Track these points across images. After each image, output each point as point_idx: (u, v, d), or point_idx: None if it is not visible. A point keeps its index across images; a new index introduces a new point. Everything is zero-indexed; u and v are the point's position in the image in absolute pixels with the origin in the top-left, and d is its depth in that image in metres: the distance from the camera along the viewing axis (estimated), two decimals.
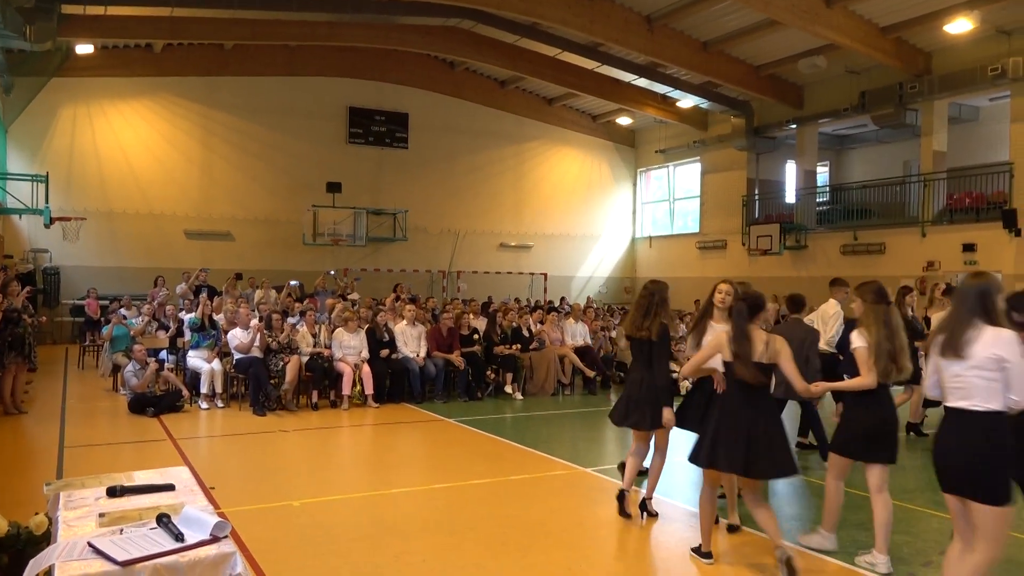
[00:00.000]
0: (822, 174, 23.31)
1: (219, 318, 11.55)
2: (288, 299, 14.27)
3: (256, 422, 9.53)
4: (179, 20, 17.78)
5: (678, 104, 23.01)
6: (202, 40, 19.54)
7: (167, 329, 12.50)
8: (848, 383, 4.95)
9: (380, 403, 10.73)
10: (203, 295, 12.82)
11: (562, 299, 21.39)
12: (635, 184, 27.00)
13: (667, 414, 5.59)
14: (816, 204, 21.43)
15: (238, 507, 5.85)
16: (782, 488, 6.87)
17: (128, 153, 20.01)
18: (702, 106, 22.68)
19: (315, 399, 10.52)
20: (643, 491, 5.93)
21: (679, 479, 7.01)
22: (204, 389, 10.38)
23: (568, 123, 25.52)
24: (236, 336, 10.39)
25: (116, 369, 11.43)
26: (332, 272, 20.11)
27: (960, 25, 15.66)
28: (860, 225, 19.64)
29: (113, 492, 3.45)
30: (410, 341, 11.39)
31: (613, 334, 14.09)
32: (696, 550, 4.98)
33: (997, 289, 3.70)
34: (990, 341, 3.55)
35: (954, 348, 3.64)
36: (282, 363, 10.36)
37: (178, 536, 2.88)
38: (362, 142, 22.61)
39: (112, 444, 8.34)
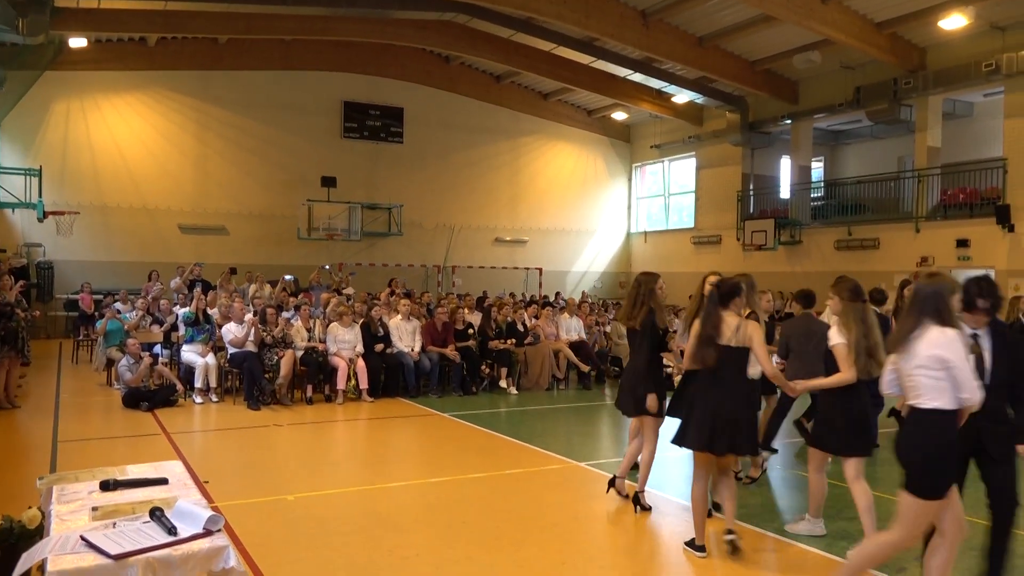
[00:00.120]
0: (817, 169, 23.34)
1: (213, 312, 11.53)
2: (283, 294, 14.26)
3: (250, 416, 9.53)
4: (173, 14, 17.71)
5: (673, 99, 23.01)
6: (196, 34, 19.45)
7: (161, 323, 12.48)
8: (829, 380, 5.01)
9: (375, 397, 10.73)
10: (197, 289, 12.79)
11: (557, 294, 21.42)
12: (630, 179, 27.01)
13: (650, 400, 5.68)
14: (811, 199, 21.47)
15: (232, 501, 5.85)
16: (777, 481, 6.90)
17: (122, 147, 19.93)
18: (697, 101, 22.69)
19: (309, 393, 10.52)
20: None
21: (673, 473, 7.03)
22: (198, 383, 10.37)
23: (563, 118, 25.50)
24: (230, 330, 10.38)
25: (110, 363, 11.40)
26: (327, 267, 20.09)
27: (954, 21, 15.70)
28: (854, 220, 19.68)
29: (106, 486, 3.45)
30: (405, 336, 11.39)
31: (608, 329, 14.12)
32: (690, 543, 5.00)
33: (951, 290, 3.74)
34: (933, 341, 3.59)
35: (898, 344, 3.72)
36: (276, 357, 10.35)
37: (171, 530, 2.89)
38: (357, 136, 22.56)
39: (106, 438, 8.33)
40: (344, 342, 10.80)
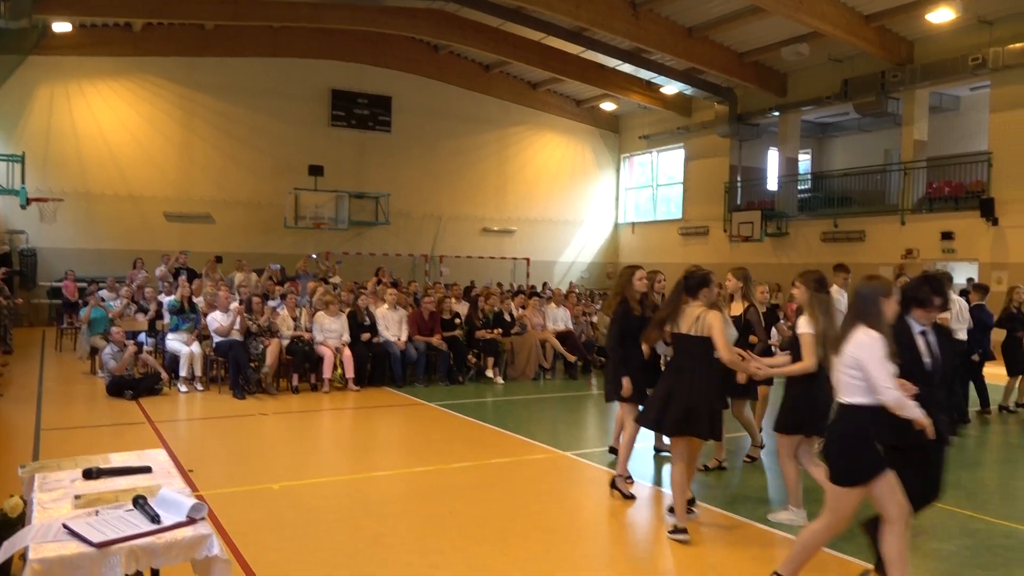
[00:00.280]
0: (804, 162, 23.45)
1: (199, 301, 11.47)
2: (269, 282, 14.19)
3: (236, 405, 9.49)
4: None
5: (662, 90, 23.02)
6: (183, 20, 19.24)
7: (146, 312, 12.39)
8: (792, 367, 5.22)
9: (361, 387, 10.72)
10: (182, 277, 12.71)
11: (544, 284, 21.44)
12: (618, 170, 27.03)
13: (625, 383, 5.90)
14: (798, 191, 21.57)
15: (217, 490, 5.83)
16: (769, 470, 6.94)
17: (107, 134, 19.74)
18: (686, 92, 22.70)
19: (295, 382, 10.49)
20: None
21: (661, 462, 7.06)
22: (183, 372, 10.32)
23: (552, 108, 25.46)
24: (216, 319, 10.33)
25: (94, 352, 11.32)
26: (314, 255, 20.00)
27: (942, 14, 15.77)
28: (840, 213, 19.80)
29: (89, 474, 3.43)
30: (391, 325, 11.38)
31: (594, 319, 14.14)
32: (673, 531, 5.03)
33: (885, 293, 3.88)
34: (856, 342, 3.77)
35: (837, 345, 3.90)
36: (262, 346, 10.32)
37: (154, 518, 2.87)
38: (345, 125, 22.45)
39: (89, 427, 8.28)
40: (330, 331, 10.76)
